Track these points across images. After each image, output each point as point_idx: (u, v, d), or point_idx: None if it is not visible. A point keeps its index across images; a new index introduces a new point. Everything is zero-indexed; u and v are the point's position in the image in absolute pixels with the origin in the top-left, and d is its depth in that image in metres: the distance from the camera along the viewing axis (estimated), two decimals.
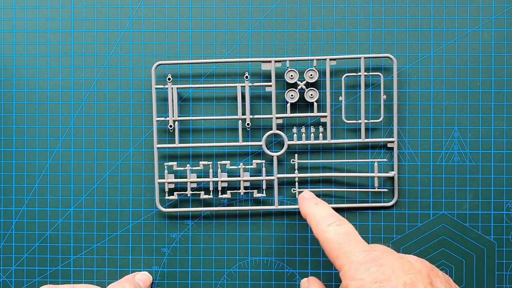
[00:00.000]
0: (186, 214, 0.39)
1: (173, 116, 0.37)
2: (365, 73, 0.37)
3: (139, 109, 0.39)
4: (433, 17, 0.39)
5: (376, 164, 0.38)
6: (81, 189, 0.39)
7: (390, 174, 0.38)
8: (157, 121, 0.38)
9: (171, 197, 0.38)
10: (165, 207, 0.38)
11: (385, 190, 0.38)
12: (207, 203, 0.39)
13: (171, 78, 0.37)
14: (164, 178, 0.38)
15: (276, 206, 0.38)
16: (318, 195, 0.38)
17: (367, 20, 0.39)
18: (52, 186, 0.39)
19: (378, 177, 0.38)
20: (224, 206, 0.39)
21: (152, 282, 0.39)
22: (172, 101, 0.37)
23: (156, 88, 0.38)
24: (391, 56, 0.37)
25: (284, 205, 0.38)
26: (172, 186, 0.38)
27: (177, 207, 0.39)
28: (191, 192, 0.38)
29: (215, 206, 0.39)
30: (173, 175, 0.38)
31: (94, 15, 0.39)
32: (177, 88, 0.38)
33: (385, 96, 0.37)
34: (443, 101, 0.39)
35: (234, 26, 0.39)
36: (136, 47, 0.39)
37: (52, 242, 0.39)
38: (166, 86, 0.38)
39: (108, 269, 0.39)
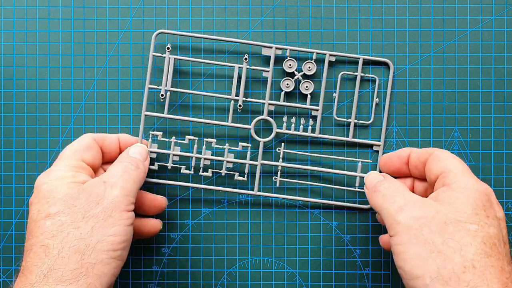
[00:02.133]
0: (163, 187, 0.39)
1: (166, 86, 0.37)
2: (362, 74, 0.38)
3: (139, 108, 0.39)
4: (433, 17, 0.39)
5: (360, 164, 0.37)
6: None
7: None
8: (149, 88, 0.37)
9: (151, 167, 0.37)
10: None
11: (362, 190, 0.36)
12: (185, 179, 0.39)
13: (170, 47, 0.37)
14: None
15: (255, 192, 0.38)
16: (302, 189, 0.39)
17: (367, 20, 0.39)
18: None
19: (360, 177, 0.37)
20: (202, 184, 0.39)
21: (150, 161, 0.37)
22: (168, 71, 0.37)
23: (153, 56, 0.37)
24: (389, 62, 0.38)
25: (261, 191, 0.38)
26: (154, 155, 0.37)
27: (155, 178, 0.38)
28: (171, 165, 0.37)
29: (194, 183, 0.39)
30: (156, 144, 0.37)
31: (94, 15, 0.39)
32: (175, 58, 0.37)
33: (377, 99, 0.38)
34: (443, 101, 0.39)
35: (234, 26, 0.39)
36: (136, 47, 0.39)
37: None
38: (164, 55, 0.37)
39: None
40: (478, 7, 0.39)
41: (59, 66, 0.39)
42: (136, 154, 0.35)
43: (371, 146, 0.38)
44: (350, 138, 0.38)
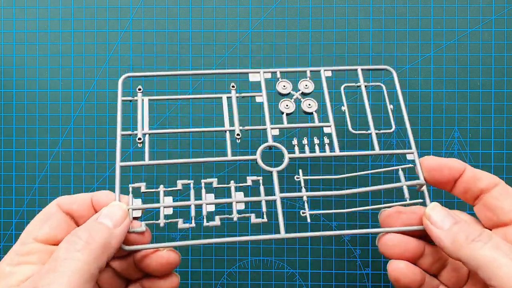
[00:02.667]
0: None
1: (142, 129, 0.31)
2: (366, 84, 0.34)
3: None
4: (433, 17, 0.39)
5: (401, 171, 0.31)
6: (81, 189, 0.39)
7: (420, 181, 0.30)
8: (122, 135, 0.31)
9: (136, 229, 0.28)
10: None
11: (420, 201, 0.30)
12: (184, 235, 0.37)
13: (141, 88, 0.32)
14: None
15: (282, 235, 0.29)
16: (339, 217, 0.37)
17: (367, 20, 0.39)
18: (52, 186, 0.39)
19: (407, 186, 0.31)
20: (212, 237, 0.36)
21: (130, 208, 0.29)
22: (143, 112, 0.32)
23: (123, 101, 0.32)
24: (390, 68, 0.34)
25: (290, 231, 0.31)
26: (139, 214, 0.29)
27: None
28: (164, 221, 0.29)
29: (200, 238, 0.36)
30: (140, 199, 0.29)
31: (94, 15, 0.39)
32: (149, 99, 0.32)
33: (391, 106, 0.33)
34: (443, 101, 0.39)
35: (234, 26, 0.39)
36: (136, 47, 0.39)
37: None
38: (135, 98, 0.32)
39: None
40: (478, 7, 0.39)
41: (59, 66, 0.39)
42: (106, 218, 0.27)
43: (395, 156, 0.37)
44: (377, 151, 0.32)
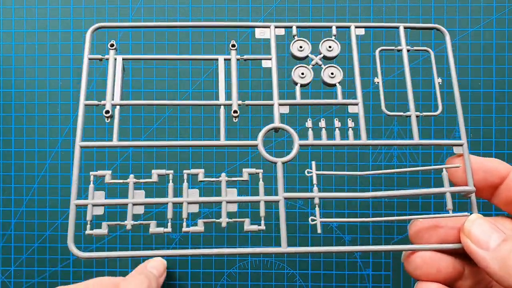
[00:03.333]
0: (125, 260, 0.33)
1: (112, 99, 0.24)
2: (409, 47, 0.26)
3: (139, 108, 0.39)
4: (434, 17, 0.39)
5: (444, 173, 0.24)
6: (80, 189, 0.39)
7: (468, 188, 0.24)
8: (84, 105, 0.24)
9: (95, 231, 0.23)
10: (83, 249, 0.23)
11: (467, 214, 0.23)
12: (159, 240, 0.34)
13: (114, 44, 0.25)
14: (86, 198, 0.23)
15: (284, 249, 0.23)
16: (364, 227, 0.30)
17: (367, 20, 0.39)
18: (51, 187, 0.39)
19: (451, 192, 0.23)
20: (170, 243, 0.35)
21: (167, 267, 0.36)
22: (114, 77, 0.24)
23: (89, 58, 0.25)
24: (441, 28, 0.26)
25: (294, 244, 0.26)
26: (101, 212, 0.23)
27: (106, 246, 0.33)
28: (132, 223, 0.23)
29: (176, 246, 0.33)
30: (103, 192, 0.24)
31: (94, 15, 0.39)
32: (123, 58, 0.25)
33: (440, 79, 0.27)
34: (443, 101, 0.38)
35: None
36: (136, 46, 0.39)
37: (51, 242, 0.39)
38: (106, 56, 0.25)
39: (107, 269, 0.39)
40: (479, 6, 0.38)
41: (58, 66, 0.39)
42: (153, 269, 0.34)
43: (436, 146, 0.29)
44: (416, 140, 0.25)
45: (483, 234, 0.21)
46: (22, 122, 0.39)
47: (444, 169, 0.24)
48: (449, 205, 0.23)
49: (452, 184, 0.24)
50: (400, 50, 0.26)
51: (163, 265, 0.36)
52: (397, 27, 0.26)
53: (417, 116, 0.25)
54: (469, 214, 0.23)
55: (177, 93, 0.38)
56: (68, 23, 0.39)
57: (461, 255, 0.23)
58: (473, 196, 0.23)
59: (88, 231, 0.22)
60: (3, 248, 0.39)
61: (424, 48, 0.27)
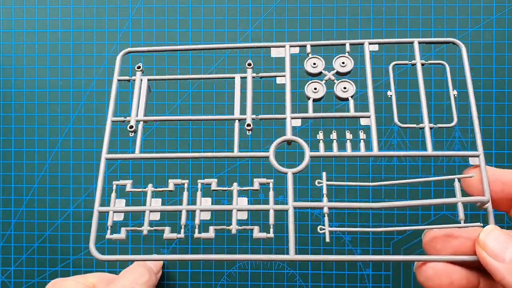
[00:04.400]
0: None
1: (136, 115, 0.26)
2: (423, 61, 0.27)
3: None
4: (434, 17, 0.39)
5: (456, 183, 0.24)
6: (80, 190, 0.39)
7: (483, 198, 0.23)
8: (112, 121, 0.27)
9: (115, 235, 0.25)
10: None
11: (480, 225, 0.23)
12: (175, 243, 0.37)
13: (141, 66, 0.28)
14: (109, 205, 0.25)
15: (292, 256, 0.24)
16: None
17: (367, 20, 0.39)
18: (51, 187, 0.39)
19: (463, 202, 0.23)
20: (201, 250, 0.36)
21: (164, 265, 0.38)
22: (139, 95, 0.27)
23: (118, 80, 0.27)
24: (457, 42, 0.27)
25: (302, 252, 0.28)
26: (121, 217, 0.25)
27: (106, 247, 0.36)
28: (148, 228, 0.24)
29: (188, 252, 0.35)
30: (124, 200, 0.25)
31: (94, 15, 0.39)
32: (148, 79, 0.27)
33: (455, 92, 0.27)
34: (443, 101, 0.38)
35: (234, 26, 0.39)
36: (136, 46, 0.39)
37: (51, 242, 0.39)
38: (133, 78, 0.27)
39: (107, 269, 0.39)
40: (479, 6, 0.38)
41: (58, 66, 0.39)
42: (151, 264, 0.35)
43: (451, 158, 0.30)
44: (430, 152, 0.25)
45: (499, 246, 0.21)
46: (22, 122, 0.39)
47: (456, 179, 0.24)
48: (461, 215, 0.23)
49: (467, 195, 0.24)
50: (414, 65, 0.26)
51: (160, 262, 0.37)
52: (412, 42, 0.27)
53: (431, 128, 0.25)
54: (482, 225, 0.22)
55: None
56: (68, 23, 0.39)
57: (476, 267, 0.22)
58: (489, 207, 0.23)
59: (108, 236, 0.24)
60: (3, 248, 0.39)
61: (439, 61, 0.27)
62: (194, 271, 0.39)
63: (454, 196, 0.24)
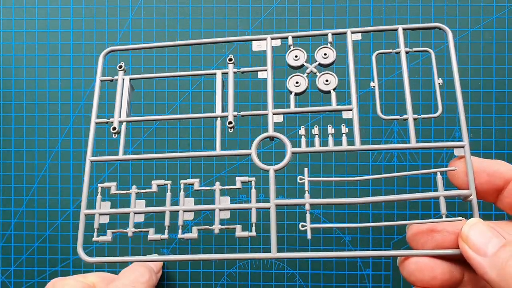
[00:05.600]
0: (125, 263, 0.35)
1: (119, 116, 0.26)
2: (407, 49, 0.25)
3: (139, 109, 0.39)
4: (434, 17, 0.38)
5: (439, 176, 0.23)
6: (80, 190, 0.39)
7: (466, 192, 0.23)
8: (95, 123, 0.27)
9: (101, 237, 0.25)
10: (90, 254, 0.28)
11: (461, 219, 0.22)
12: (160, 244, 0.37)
13: (122, 65, 0.28)
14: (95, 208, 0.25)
15: (273, 254, 0.24)
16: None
17: (368, 20, 0.39)
18: (51, 187, 0.39)
19: (445, 196, 0.23)
20: (189, 251, 0.37)
21: (164, 265, 0.38)
22: (122, 96, 0.27)
23: (101, 80, 0.27)
24: (443, 26, 0.26)
25: (294, 244, 0.27)
26: (106, 220, 0.25)
27: (106, 246, 0.36)
28: (133, 230, 0.25)
29: (175, 252, 0.36)
30: (108, 202, 0.26)
31: (94, 15, 0.39)
32: (130, 78, 0.27)
33: (440, 80, 0.26)
34: (444, 101, 0.38)
35: (234, 25, 0.39)
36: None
37: (51, 242, 0.39)
38: (116, 78, 0.27)
39: (107, 270, 0.39)
40: (479, 6, 0.38)
41: (58, 66, 0.39)
42: (151, 263, 0.35)
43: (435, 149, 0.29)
44: (413, 144, 0.24)
45: (482, 239, 0.20)
46: (22, 122, 0.39)
47: (438, 173, 0.23)
48: (443, 209, 0.22)
49: (455, 187, 0.23)
50: (398, 53, 0.25)
51: (160, 262, 0.37)
52: (396, 29, 0.26)
53: (415, 119, 0.24)
54: (463, 219, 0.22)
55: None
56: (68, 23, 0.39)
57: (460, 261, 0.22)
58: (474, 200, 0.22)
59: (94, 238, 0.25)
60: (3, 248, 0.39)
61: (424, 48, 0.26)
62: (194, 271, 0.39)
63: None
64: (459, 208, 0.36)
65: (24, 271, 0.39)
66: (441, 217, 0.22)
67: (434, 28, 0.26)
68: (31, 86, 0.39)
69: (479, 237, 0.20)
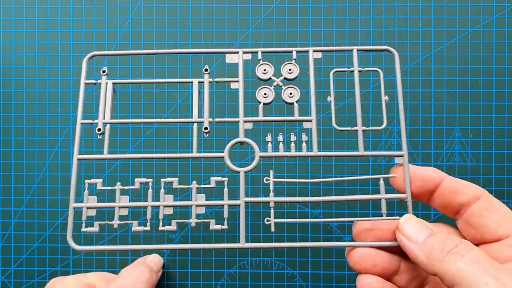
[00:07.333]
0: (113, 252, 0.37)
1: (103, 118, 0.29)
2: (360, 68, 0.29)
3: (139, 109, 0.39)
4: (434, 17, 0.39)
5: (382, 182, 0.28)
6: (80, 189, 0.39)
7: (403, 195, 0.27)
8: (81, 124, 0.29)
9: (89, 229, 0.28)
10: (80, 244, 0.28)
11: (397, 218, 0.27)
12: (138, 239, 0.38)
13: (106, 70, 0.29)
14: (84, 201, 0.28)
15: (242, 245, 0.28)
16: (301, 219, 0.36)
17: (368, 20, 0.39)
18: (51, 187, 0.39)
19: (386, 199, 0.27)
20: (170, 243, 0.38)
21: (164, 265, 0.38)
22: (105, 98, 0.29)
23: (85, 83, 0.29)
24: (391, 49, 0.29)
25: (250, 240, 0.31)
26: (93, 213, 0.28)
27: (102, 240, 0.37)
28: (118, 222, 0.28)
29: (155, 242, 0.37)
30: (96, 197, 0.28)
31: (94, 15, 0.39)
32: (113, 82, 0.29)
33: (386, 97, 0.29)
34: (444, 101, 0.38)
35: (234, 26, 0.39)
36: (136, 46, 0.39)
37: (51, 242, 0.39)
38: (99, 81, 0.29)
39: (107, 269, 0.39)
40: (479, 6, 0.38)
41: (58, 66, 0.39)
42: (151, 263, 0.36)
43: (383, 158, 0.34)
44: (361, 152, 0.28)
45: (414, 230, 0.25)
46: (22, 122, 0.39)
47: (381, 179, 0.27)
48: (384, 210, 0.27)
49: (396, 190, 0.27)
50: (352, 71, 0.29)
51: (160, 262, 0.37)
52: (351, 50, 0.29)
53: (364, 130, 0.28)
54: (399, 218, 0.26)
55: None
56: (68, 23, 0.39)
57: (397, 252, 0.27)
58: (409, 201, 0.27)
59: (83, 229, 0.28)
60: (3, 248, 0.39)
61: (375, 68, 0.29)
62: (194, 271, 0.39)
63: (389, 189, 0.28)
64: (398, 208, 0.38)
65: (24, 271, 0.39)
66: (382, 215, 0.27)
67: (384, 50, 0.29)
68: (31, 86, 0.39)
69: (412, 228, 0.25)
